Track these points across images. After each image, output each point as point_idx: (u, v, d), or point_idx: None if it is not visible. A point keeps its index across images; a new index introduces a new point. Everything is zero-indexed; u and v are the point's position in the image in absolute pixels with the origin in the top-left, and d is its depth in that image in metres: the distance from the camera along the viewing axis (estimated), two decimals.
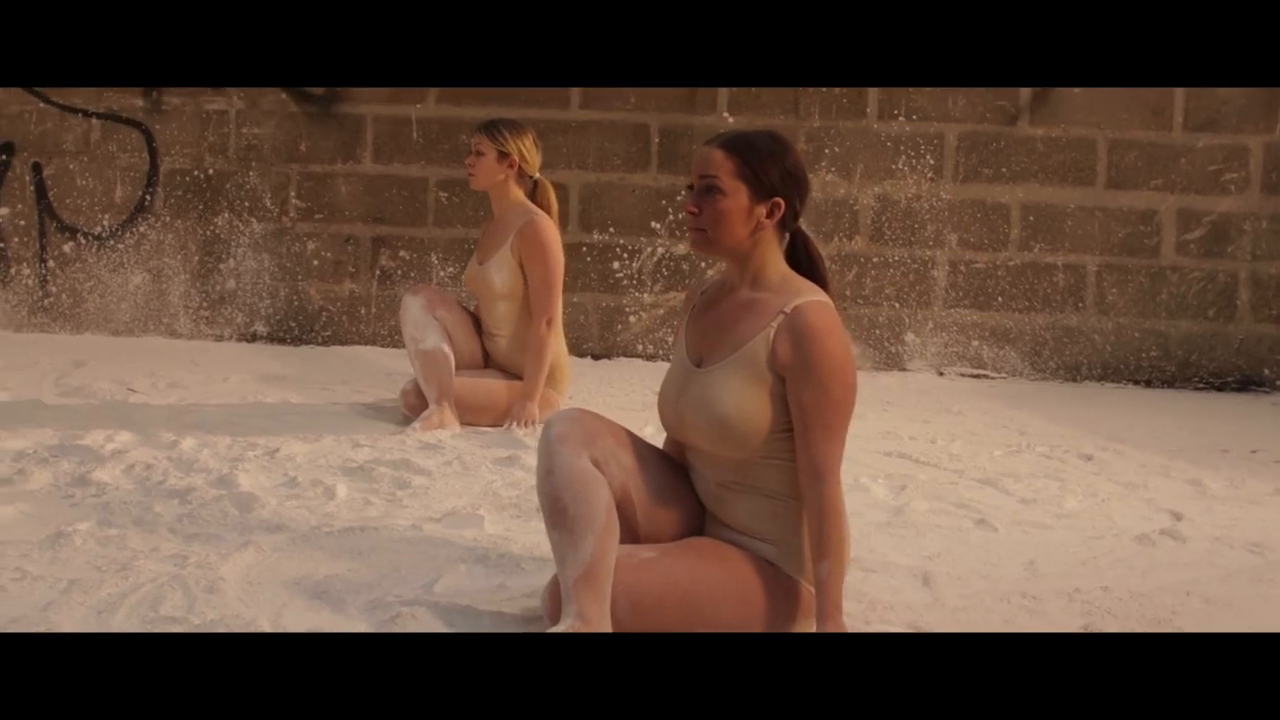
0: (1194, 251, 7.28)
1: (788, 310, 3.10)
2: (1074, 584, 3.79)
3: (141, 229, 7.63)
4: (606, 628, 3.01)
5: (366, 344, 7.53)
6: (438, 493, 4.52)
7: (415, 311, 5.56)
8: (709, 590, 3.13)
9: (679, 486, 3.33)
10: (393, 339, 7.47)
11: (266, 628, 3.22)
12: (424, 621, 3.28)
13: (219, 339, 7.62)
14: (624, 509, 3.20)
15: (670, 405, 3.28)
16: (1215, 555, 4.17)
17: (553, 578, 3.19)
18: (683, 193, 3.07)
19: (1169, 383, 7.30)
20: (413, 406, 5.62)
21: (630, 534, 3.23)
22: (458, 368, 5.60)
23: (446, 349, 5.52)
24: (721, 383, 3.14)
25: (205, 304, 7.62)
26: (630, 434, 3.30)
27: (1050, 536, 4.32)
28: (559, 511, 3.05)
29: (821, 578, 3.05)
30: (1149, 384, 7.30)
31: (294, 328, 7.59)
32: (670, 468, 3.34)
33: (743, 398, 3.11)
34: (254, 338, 7.61)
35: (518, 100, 7.40)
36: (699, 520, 3.34)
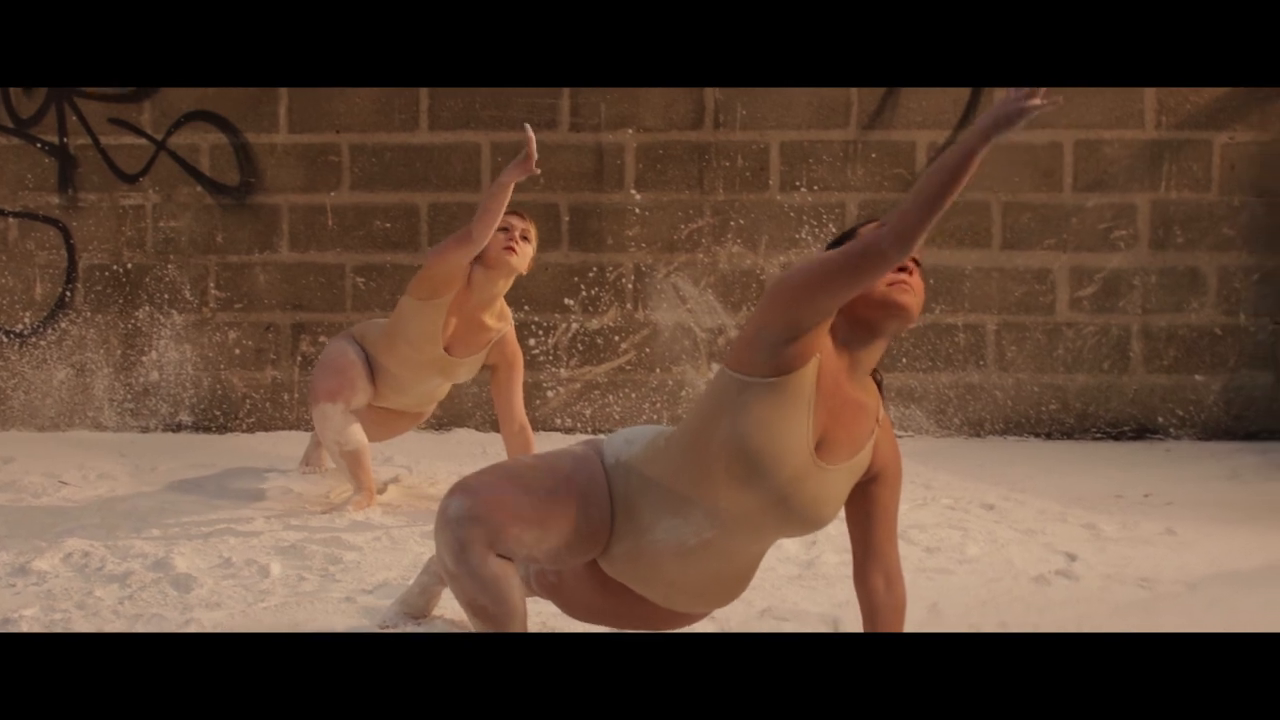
0: (1087, 307, 7.58)
1: (880, 418, 3.11)
2: (973, 622, 4.03)
3: (63, 325, 7.77)
4: None
5: (291, 429, 7.68)
6: (369, 566, 4.70)
7: (337, 419, 5.62)
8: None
9: (589, 534, 3.19)
10: None
11: None
12: None
13: (145, 430, 7.75)
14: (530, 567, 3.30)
15: (776, 481, 2.98)
16: (1106, 592, 4.42)
17: None
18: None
19: (1068, 434, 7.59)
20: (312, 461, 6.07)
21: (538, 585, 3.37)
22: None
23: (364, 438, 5.70)
24: (837, 484, 3.04)
25: (129, 396, 7.75)
26: (536, 487, 3.15)
27: (952, 580, 4.56)
28: (479, 610, 3.09)
29: None
30: (1049, 436, 7.58)
31: (219, 416, 7.74)
32: (581, 517, 3.17)
33: (843, 500, 3.10)
34: (179, 427, 7.75)
35: (429, 185, 7.62)
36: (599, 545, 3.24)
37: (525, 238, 5.51)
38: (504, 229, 5.42)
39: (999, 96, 2.99)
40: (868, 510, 3.15)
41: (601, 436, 3.34)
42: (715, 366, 7.59)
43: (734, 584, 3.29)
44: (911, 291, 3.01)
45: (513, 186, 5.19)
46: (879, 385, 3.14)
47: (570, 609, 3.42)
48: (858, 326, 3.01)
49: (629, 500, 3.13)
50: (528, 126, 5.03)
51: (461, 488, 3.14)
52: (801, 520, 3.02)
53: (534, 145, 5.02)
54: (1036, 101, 2.66)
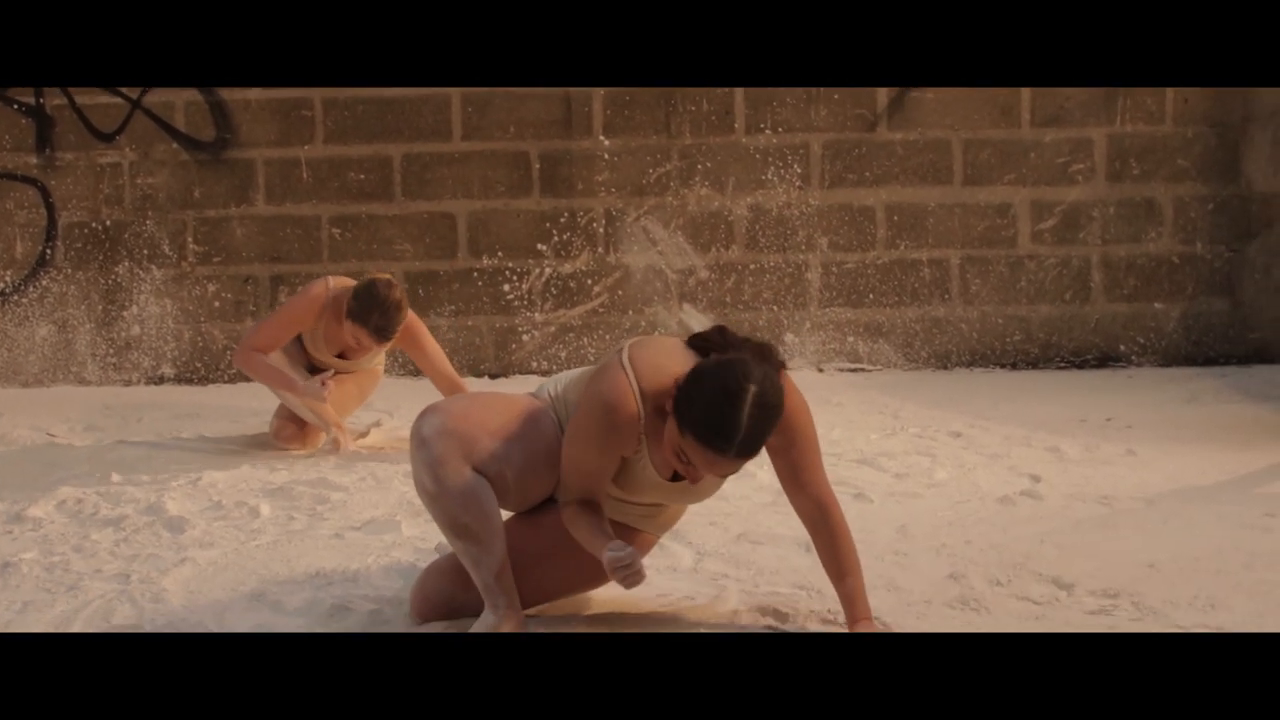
0: (1048, 240, 7.75)
1: None
2: (941, 540, 4.20)
3: (44, 283, 7.87)
4: (521, 612, 3.36)
5: None
6: (356, 505, 4.84)
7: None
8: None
9: (546, 450, 3.43)
10: None
11: (213, 629, 3.54)
12: (357, 614, 3.61)
13: (128, 384, 7.86)
14: (498, 485, 3.38)
15: (646, 501, 3.45)
16: (1068, 509, 4.60)
17: (421, 578, 3.54)
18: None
19: (1033, 364, 7.76)
20: (291, 438, 5.93)
21: (502, 501, 3.45)
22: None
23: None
24: (709, 480, 3.32)
25: (112, 351, 7.87)
26: (496, 408, 3.40)
27: (920, 504, 4.74)
28: (461, 528, 3.27)
29: (848, 592, 3.30)
30: (1014, 366, 7.76)
31: (200, 368, 7.86)
32: (537, 433, 3.41)
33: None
34: (162, 380, 7.87)
35: (401, 136, 7.73)
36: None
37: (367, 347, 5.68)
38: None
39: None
40: (791, 468, 3.36)
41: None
42: (686, 307, 7.74)
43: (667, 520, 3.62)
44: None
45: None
46: (780, 366, 3.24)
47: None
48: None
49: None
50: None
51: (432, 409, 3.35)
52: (693, 501, 3.48)
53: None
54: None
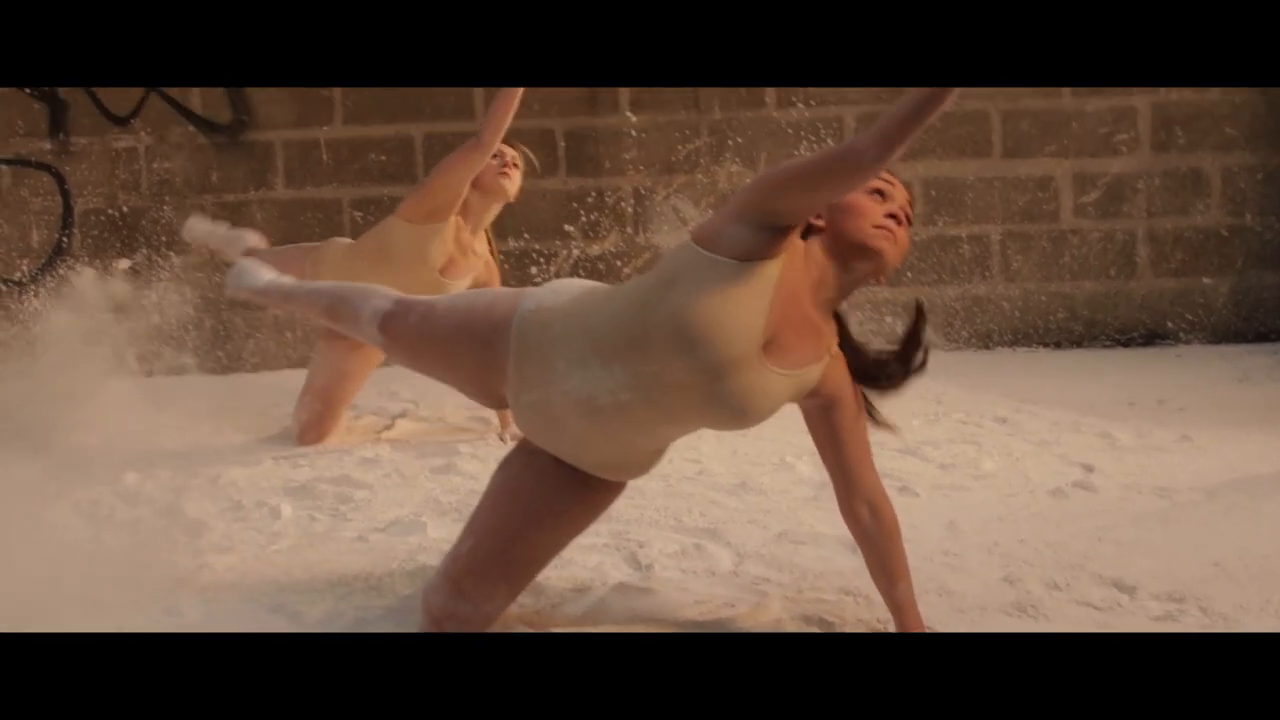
0: (1092, 214, 7.52)
1: (833, 351, 3.08)
2: (992, 539, 4.00)
3: (61, 271, 7.70)
4: None
5: (294, 368, 7.64)
6: (380, 504, 4.66)
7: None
8: None
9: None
10: None
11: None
12: (378, 629, 3.43)
13: (148, 374, 7.69)
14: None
15: (714, 359, 2.91)
16: (1125, 502, 4.39)
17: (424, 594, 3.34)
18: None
19: (1077, 343, 7.54)
20: (314, 435, 5.74)
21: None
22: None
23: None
24: (773, 386, 2.99)
25: (131, 340, 7.69)
26: (439, 317, 3.39)
27: (969, 497, 4.53)
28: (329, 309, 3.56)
29: (899, 600, 3.12)
30: (1059, 345, 7.54)
31: (222, 357, 7.70)
32: (467, 346, 3.32)
33: (774, 407, 3.06)
34: (183, 370, 7.70)
35: (422, 116, 7.54)
36: None
37: (515, 165, 5.55)
38: (495, 155, 5.40)
39: None
40: (835, 440, 3.14)
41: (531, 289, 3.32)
42: None
43: (642, 458, 3.25)
44: (894, 241, 2.99)
45: (521, 90, 5.19)
46: (842, 325, 3.13)
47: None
48: (834, 253, 3.00)
49: (544, 347, 3.10)
50: None
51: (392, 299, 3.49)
52: (727, 408, 2.97)
53: None
54: None
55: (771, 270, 2.89)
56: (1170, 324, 7.52)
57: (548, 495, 3.24)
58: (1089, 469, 4.84)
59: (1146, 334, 7.53)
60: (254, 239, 5.99)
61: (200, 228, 6.22)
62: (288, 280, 3.97)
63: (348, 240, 5.82)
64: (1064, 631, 3.24)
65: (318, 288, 3.84)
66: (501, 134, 5.26)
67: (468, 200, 5.49)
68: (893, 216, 2.99)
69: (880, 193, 3.01)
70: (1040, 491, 4.56)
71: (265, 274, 3.98)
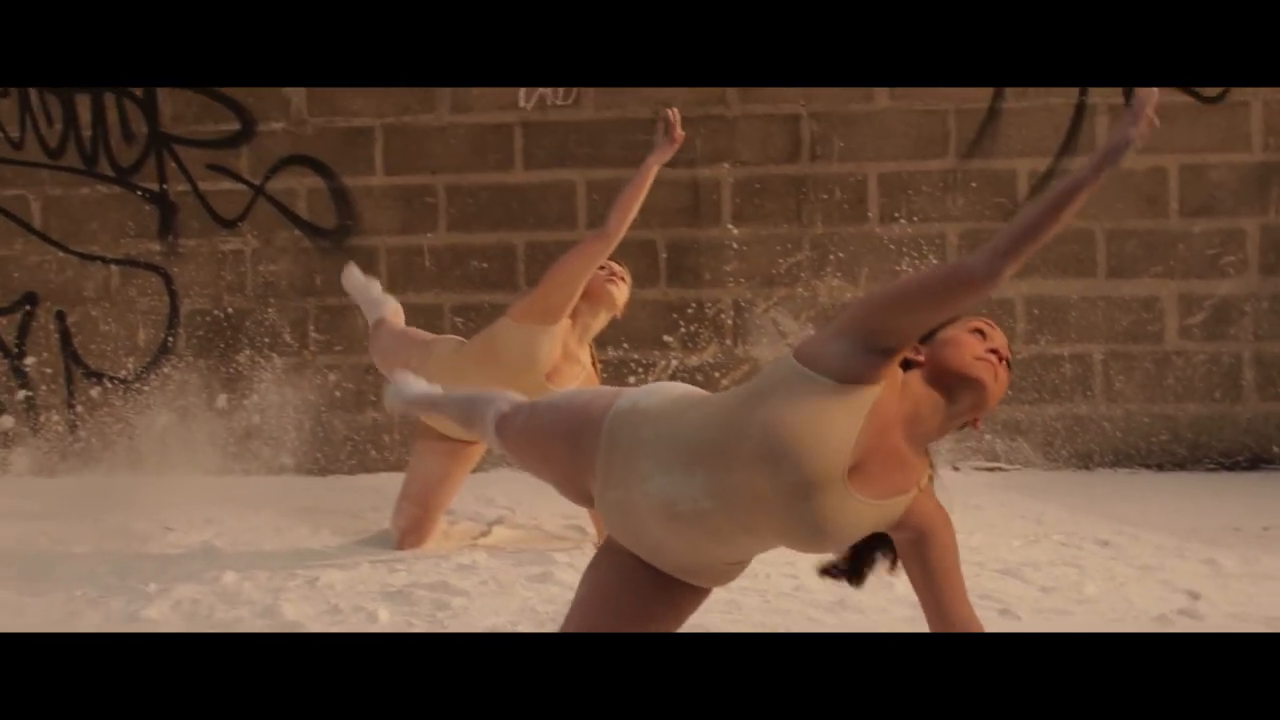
0: (1197, 335, 7.43)
1: (922, 485, 3.04)
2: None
3: (165, 370, 7.81)
4: None
5: (392, 470, 7.66)
6: (477, 612, 4.66)
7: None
8: None
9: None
10: None
11: None
12: None
13: (247, 473, 7.76)
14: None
15: (797, 476, 2.89)
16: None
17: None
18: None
19: (1180, 465, 7.43)
20: (413, 540, 5.75)
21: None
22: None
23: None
24: (856, 513, 2.93)
25: (232, 440, 7.77)
26: (544, 420, 3.46)
27: (1071, 622, 4.46)
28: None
29: None
30: (1161, 467, 7.43)
31: (320, 459, 7.75)
32: (562, 443, 3.38)
33: (855, 535, 3.02)
34: (281, 470, 7.76)
35: (525, 225, 7.61)
36: None
37: (623, 278, 5.55)
38: (602, 267, 5.42)
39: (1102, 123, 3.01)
40: (925, 572, 3.10)
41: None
42: None
43: (720, 567, 3.23)
44: (994, 375, 3.00)
45: (654, 174, 5.25)
46: (931, 467, 3.09)
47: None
48: (934, 386, 2.99)
49: (633, 447, 3.12)
50: (672, 111, 5.21)
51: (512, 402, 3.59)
52: (806, 527, 2.93)
53: (678, 119, 5.14)
54: (1141, 129, 2.70)
55: (868, 396, 2.88)
56: (1276, 448, 7.39)
57: (632, 596, 3.24)
58: (1195, 596, 4.74)
59: (1251, 458, 7.41)
60: (393, 310, 6.07)
61: (356, 279, 6.34)
62: (436, 391, 4.07)
63: (460, 339, 5.85)
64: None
65: (455, 398, 3.96)
66: (628, 222, 5.26)
67: (576, 308, 5.49)
68: (994, 352, 3.00)
69: (981, 332, 3.03)
70: (1144, 618, 4.48)
71: (417, 386, 4.09)
